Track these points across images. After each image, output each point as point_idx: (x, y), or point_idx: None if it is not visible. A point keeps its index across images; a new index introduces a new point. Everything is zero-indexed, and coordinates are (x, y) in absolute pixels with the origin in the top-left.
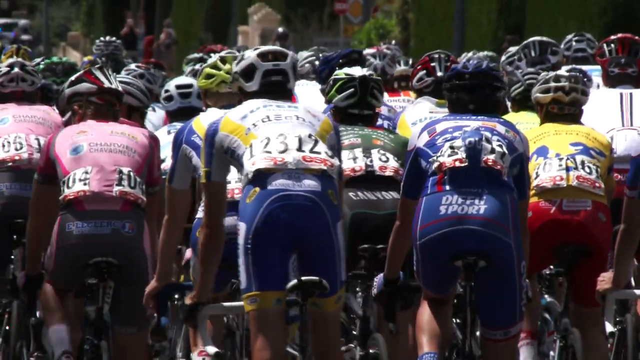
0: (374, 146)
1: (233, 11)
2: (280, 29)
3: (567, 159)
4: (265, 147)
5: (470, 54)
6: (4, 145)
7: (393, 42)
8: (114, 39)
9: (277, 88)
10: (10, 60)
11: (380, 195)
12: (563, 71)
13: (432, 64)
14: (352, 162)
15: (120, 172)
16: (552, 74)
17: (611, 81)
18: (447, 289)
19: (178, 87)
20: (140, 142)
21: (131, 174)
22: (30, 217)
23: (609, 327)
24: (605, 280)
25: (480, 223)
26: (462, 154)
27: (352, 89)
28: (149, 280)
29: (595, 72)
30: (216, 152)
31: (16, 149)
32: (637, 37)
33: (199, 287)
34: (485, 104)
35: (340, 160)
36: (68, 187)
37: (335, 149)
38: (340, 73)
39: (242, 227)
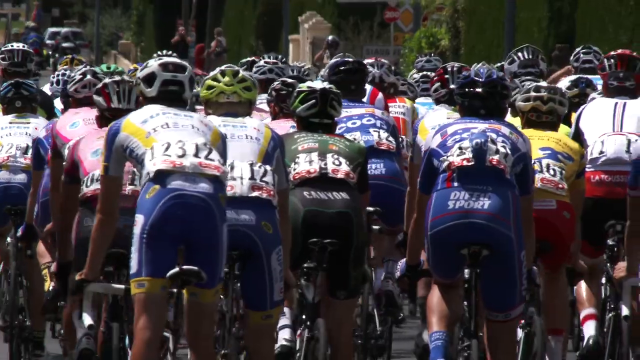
0: (329, 151)
1: (284, 19)
2: (330, 37)
3: (534, 162)
4: (166, 150)
5: (479, 65)
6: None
7: (432, 54)
8: (171, 52)
9: (174, 96)
10: (83, 68)
11: (331, 195)
12: (543, 83)
13: (446, 76)
14: (308, 164)
15: (134, 172)
16: (533, 84)
17: (610, 93)
18: (454, 275)
19: None
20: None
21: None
22: (60, 212)
23: (625, 311)
24: (621, 269)
25: (484, 217)
26: (469, 154)
27: (313, 101)
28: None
29: (599, 81)
30: (115, 149)
31: None
32: (635, 54)
33: (88, 266)
34: (495, 109)
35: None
36: (87, 186)
37: (225, 155)
38: (303, 86)
39: (140, 218)
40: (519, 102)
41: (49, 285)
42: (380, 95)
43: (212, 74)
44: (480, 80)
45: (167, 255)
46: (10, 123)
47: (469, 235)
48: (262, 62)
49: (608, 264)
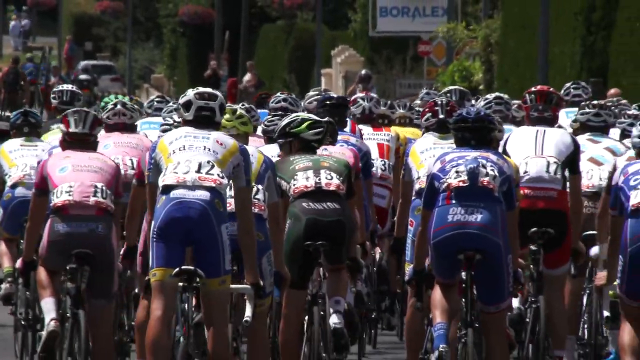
0: (322, 167)
1: (316, 53)
2: (363, 71)
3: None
4: (174, 169)
5: (476, 102)
6: None
7: (432, 86)
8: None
9: (206, 120)
10: (115, 99)
11: (326, 205)
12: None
13: (436, 108)
14: (305, 180)
15: (96, 186)
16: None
17: (532, 122)
18: (453, 276)
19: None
20: (109, 165)
21: (104, 188)
22: (30, 220)
23: (606, 313)
24: (601, 278)
25: (477, 228)
26: (464, 177)
27: (321, 129)
28: (115, 267)
29: (571, 114)
30: (154, 161)
31: None
32: (552, 89)
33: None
34: (483, 140)
35: (247, 175)
36: (57, 197)
37: (241, 165)
38: (306, 116)
39: (152, 223)
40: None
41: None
42: (357, 129)
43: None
44: (470, 117)
45: (174, 250)
46: (21, 146)
47: (465, 243)
48: (278, 94)
49: (531, 266)
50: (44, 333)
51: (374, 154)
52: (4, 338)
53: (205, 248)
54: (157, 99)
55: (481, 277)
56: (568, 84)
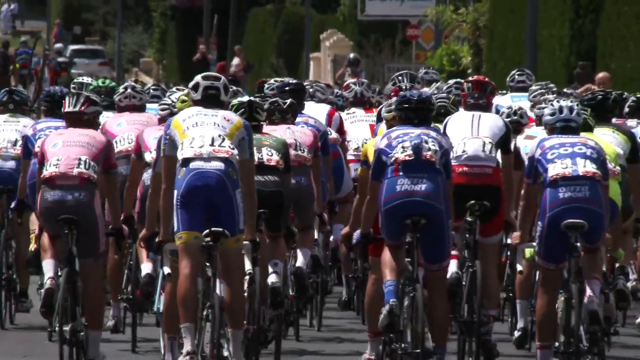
0: (263, 145)
1: (305, 37)
2: (351, 55)
3: None
4: (191, 143)
5: (436, 85)
6: (121, 141)
7: (431, 67)
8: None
9: (213, 98)
10: (127, 83)
11: (267, 177)
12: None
13: (401, 92)
14: None
15: (79, 159)
16: (394, 99)
17: (468, 108)
18: (401, 238)
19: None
20: (98, 140)
21: (87, 160)
22: (37, 188)
23: (519, 267)
24: (515, 237)
25: (422, 196)
26: (409, 151)
27: (242, 109)
28: (98, 229)
29: (523, 98)
30: (169, 137)
31: (128, 143)
32: (487, 79)
33: (163, 230)
34: (425, 119)
35: (250, 148)
36: (46, 170)
37: (245, 139)
38: (235, 101)
39: (175, 192)
40: (383, 114)
41: (32, 246)
42: (336, 115)
43: (184, 92)
44: (414, 99)
45: (196, 215)
46: (4, 122)
47: (412, 209)
48: (272, 81)
49: (467, 234)
50: (42, 290)
51: (367, 134)
52: None
53: (222, 211)
54: (152, 87)
55: (425, 239)
56: (514, 71)
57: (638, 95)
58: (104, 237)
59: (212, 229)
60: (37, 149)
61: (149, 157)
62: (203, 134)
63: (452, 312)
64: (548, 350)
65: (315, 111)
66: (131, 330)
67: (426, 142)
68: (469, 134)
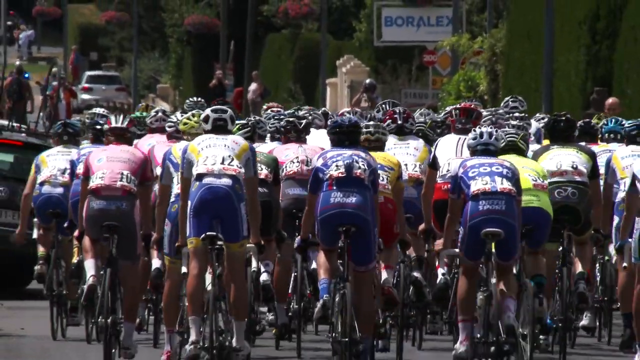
0: (257, 162)
1: (321, 63)
2: (368, 81)
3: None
4: (204, 161)
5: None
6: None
7: (472, 99)
8: (201, 100)
9: (221, 129)
10: (157, 107)
11: (260, 189)
12: (371, 122)
13: (395, 116)
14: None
15: (122, 173)
16: (365, 124)
17: (457, 132)
18: (334, 244)
19: None
20: (137, 156)
21: (129, 174)
22: (81, 198)
23: (440, 273)
24: (439, 244)
25: (352, 208)
26: (342, 169)
27: (247, 129)
28: (137, 235)
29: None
30: (186, 161)
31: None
32: (473, 106)
33: (181, 237)
34: (355, 141)
35: (254, 167)
36: (92, 182)
37: (250, 159)
38: (241, 123)
39: (189, 203)
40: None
41: (74, 258)
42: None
43: (185, 116)
44: (345, 124)
45: (205, 224)
46: (58, 152)
47: (344, 219)
48: (269, 111)
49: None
50: (85, 287)
51: None
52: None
53: (228, 220)
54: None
55: (355, 245)
56: (507, 98)
57: (587, 120)
58: (140, 242)
59: (208, 233)
60: (79, 167)
61: (159, 170)
62: (215, 153)
63: (441, 313)
64: (469, 322)
65: (317, 136)
66: (153, 327)
67: (357, 162)
68: (453, 155)
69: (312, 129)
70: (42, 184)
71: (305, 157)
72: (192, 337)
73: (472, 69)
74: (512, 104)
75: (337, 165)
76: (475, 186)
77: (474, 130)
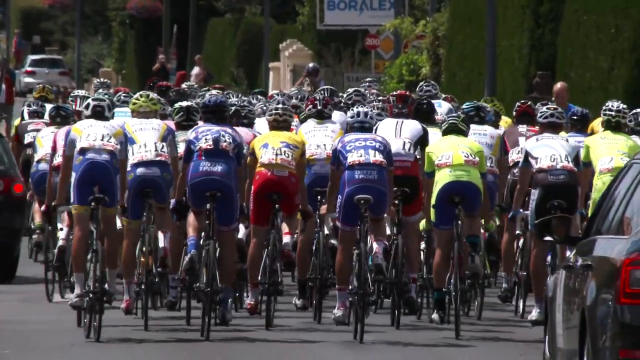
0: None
1: (264, 47)
2: (310, 65)
3: (276, 149)
4: (87, 138)
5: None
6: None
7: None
8: (107, 80)
9: (98, 114)
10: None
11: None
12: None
13: (316, 102)
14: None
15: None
16: (274, 106)
17: (394, 116)
18: (202, 206)
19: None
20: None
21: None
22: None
23: (330, 239)
24: (324, 208)
25: (218, 175)
26: (210, 142)
27: (181, 113)
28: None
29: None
30: (69, 140)
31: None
32: (408, 92)
33: (58, 198)
34: (221, 118)
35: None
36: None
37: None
38: (177, 106)
39: (73, 174)
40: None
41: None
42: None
43: (135, 96)
44: (210, 104)
45: (87, 193)
46: (52, 132)
47: (211, 185)
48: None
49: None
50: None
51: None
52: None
53: (107, 189)
54: (123, 94)
55: (220, 207)
56: (422, 82)
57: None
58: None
59: (96, 195)
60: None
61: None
62: (96, 132)
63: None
64: (344, 292)
65: (261, 123)
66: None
67: (223, 136)
68: (393, 136)
69: (262, 118)
70: (38, 162)
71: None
72: (77, 291)
73: (414, 53)
74: (426, 88)
75: (206, 139)
76: (352, 158)
77: (352, 110)
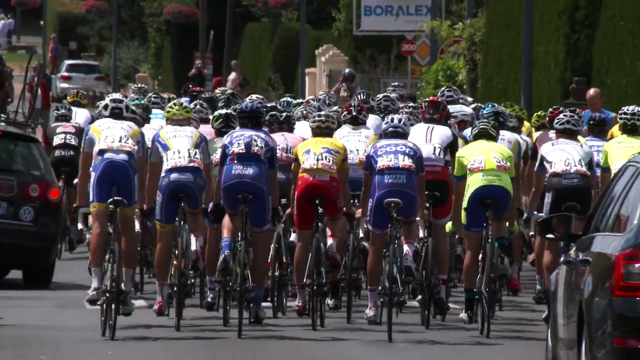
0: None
1: (300, 53)
2: (347, 70)
3: (317, 154)
4: (105, 139)
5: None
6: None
7: (453, 87)
8: (144, 86)
9: (117, 115)
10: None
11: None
12: (327, 111)
13: (351, 108)
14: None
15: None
16: (317, 113)
17: (426, 121)
18: (236, 209)
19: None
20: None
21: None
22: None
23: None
24: (358, 212)
25: (250, 178)
26: (242, 147)
27: (221, 119)
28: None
29: (459, 110)
30: (88, 139)
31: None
32: (440, 99)
33: (79, 199)
34: (256, 123)
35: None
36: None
37: (141, 142)
38: (217, 113)
39: (92, 174)
40: (309, 123)
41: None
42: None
43: (169, 104)
44: (247, 109)
45: (106, 191)
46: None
47: (242, 188)
48: (254, 96)
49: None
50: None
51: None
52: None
53: (124, 189)
54: (153, 96)
55: (252, 210)
56: (443, 88)
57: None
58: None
59: (115, 198)
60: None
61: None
62: (114, 133)
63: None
64: (375, 292)
65: (302, 127)
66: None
67: (255, 141)
68: (423, 140)
69: (305, 122)
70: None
71: (286, 145)
72: (94, 284)
73: (450, 58)
74: (448, 94)
75: (239, 143)
76: (382, 162)
77: (387, 117)
